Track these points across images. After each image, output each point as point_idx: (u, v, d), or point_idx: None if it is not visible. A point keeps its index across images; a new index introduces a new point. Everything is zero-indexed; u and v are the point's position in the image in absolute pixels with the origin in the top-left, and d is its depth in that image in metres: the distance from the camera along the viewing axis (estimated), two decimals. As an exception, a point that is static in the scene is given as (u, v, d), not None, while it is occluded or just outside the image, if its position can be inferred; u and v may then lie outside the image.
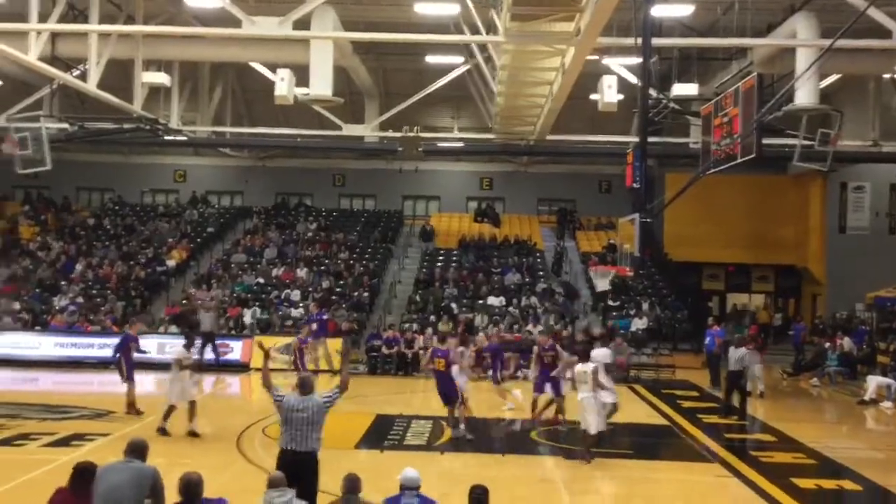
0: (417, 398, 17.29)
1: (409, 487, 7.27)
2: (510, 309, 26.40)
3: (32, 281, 27.56)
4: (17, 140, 22.02)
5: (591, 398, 12.50)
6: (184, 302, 26.16)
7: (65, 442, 13.33)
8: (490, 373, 18.05)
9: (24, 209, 33.05)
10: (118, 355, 15.94)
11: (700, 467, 12.98)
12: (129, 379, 15.69)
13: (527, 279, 28.78)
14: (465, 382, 14.96)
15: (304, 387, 8.57)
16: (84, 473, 7.02)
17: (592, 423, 12.45)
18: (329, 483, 8.09)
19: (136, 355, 16.08)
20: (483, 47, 20.34)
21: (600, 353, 14.31)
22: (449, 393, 14.16)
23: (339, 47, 19.36)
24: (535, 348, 15.81)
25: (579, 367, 12.96)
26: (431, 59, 23.98)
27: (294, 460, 8.09)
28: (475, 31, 18.40)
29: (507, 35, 15.19)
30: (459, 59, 23.18)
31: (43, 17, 16.92)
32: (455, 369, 14.66)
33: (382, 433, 14.66)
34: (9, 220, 31.94)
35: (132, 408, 15.51)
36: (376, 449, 13.59)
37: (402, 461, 10.14)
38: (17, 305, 25.73)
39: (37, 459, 11.84)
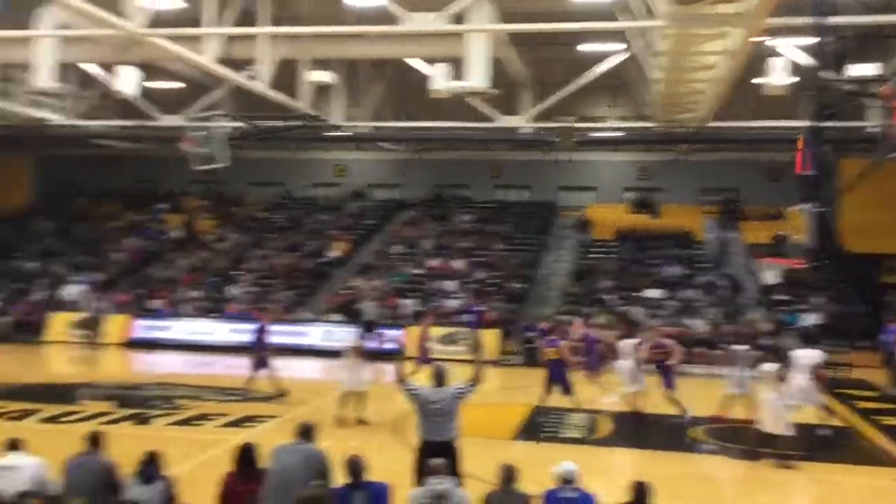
0: (575, 390, 17.10)
1: (567, 480, 7.22)
2: (669, 302, 25.68)
3: (209, 270, 29.42)
4: (195, 139, 23.51)
5: (772, 399, 12.01)
6: (346, 291, 27.14)
7: (238, 423, 14.16)
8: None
9: (201, 204, 35.27)
10: (255, 342, 16.85)
11: (878, 471, 12.18)
12: (261, 364, 16.49)
13: (687, 271, 27.89)
14: (636, 377, 14.70)
15: (438, 378, 8.71)
16: (246, 455, 7.43)
17: (767, 423, 11.96)
18: (486, 472, 8.16)
19: (293, 342, 16.88)
20: (642, 33, 19.81)
21: (810, 354, 13.72)
22: (559, 380, 14.63)
23: (494, 39, 19.40)
24: (646, 345, 15.29)
25: (765, 367, 12.66)
26: (585, 47, 23.61)
27: (434, 450, 8.22)
28: (633, 16, 17.93)
29: (668, 19, 14.69)
30: (616, 47, 22.68)
31: (217, 22, 17.97)
32: (629, 363, 14.53)
33: (539, 425, 14.64)
34: (188, 214, 34.20)
35: (251, 384, 16.49)
36: (533, 440, 13.60)
37: (559, 454, 10.10)
38: (195, 294, 27.56)
39: (214, 439, 12.64)
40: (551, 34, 21.71)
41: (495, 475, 7.26)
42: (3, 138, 29.81)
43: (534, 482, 7.45)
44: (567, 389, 14.74)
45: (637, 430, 14.33)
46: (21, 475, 7.44)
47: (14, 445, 7.82)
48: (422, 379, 11.22)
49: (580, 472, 7.28)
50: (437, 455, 8.05)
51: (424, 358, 17.25)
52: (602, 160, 33.65)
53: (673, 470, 11.75)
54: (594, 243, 30.58)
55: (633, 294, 26.38)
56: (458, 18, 16.99)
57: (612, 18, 19.21)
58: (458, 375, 9.17)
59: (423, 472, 8.13)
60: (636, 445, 13.38)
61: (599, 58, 22.86)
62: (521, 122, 25.12)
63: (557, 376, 14.73)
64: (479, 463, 8.79)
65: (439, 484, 6.96)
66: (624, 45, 21.99)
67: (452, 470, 8.21)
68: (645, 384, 14.90)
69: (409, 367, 15.58)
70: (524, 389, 17.87)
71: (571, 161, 32.59)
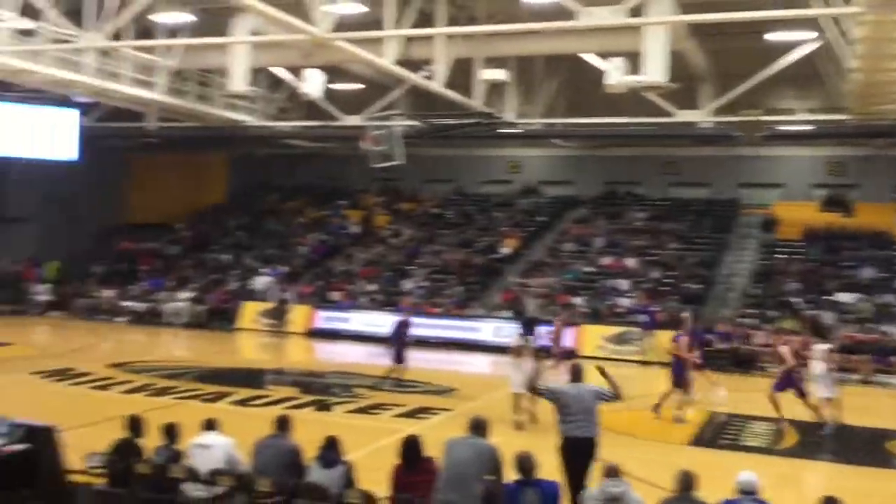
0: (755, 397, 16.29)
1: (747, 492, 6.89)
2: (864, 306, 23.94)
3: (385, 265, 30.38)
4: (375, 137, 24.38)
5: None
6: (516, 288, 27.22)
7: (412, 414, 14.53)
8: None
9: (378, 200, 36.47)
10: (394, 334, 17.41)
11: None
12: (399, 359, 17.00)
13: (884, 274, 25.90)
14: (827, 384, 13.90)
15: (575, 374, 8.88)
16: (411, 447, 7.59)
17: None
18: (661, 478, 7.93)
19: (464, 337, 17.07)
20: (836, 19, 18.53)
21: None
22: (675, 376, 14.64)
23: (673, 31, 18.79)
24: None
25: None
26: (772, 36, 22.34)
27: (576, 447, 8.32)
28: (826, 2, 16.83)
29: (866, 5, 13.66)
30: (805, 35, 21.34)
31: (396, 24, 18.49)
32: (821, 368, 13.84)
33: (716, 432, 14.08)
34: (366, 210, 35.47)
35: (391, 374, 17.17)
36: (710, 447, 13.09)
37: (738, 462, 9.66)
38: (371, 287, 28.54)
39: (388, 428, 13.02)
40: (736, 24, 20.76)
41: (672, 481, 7.04)
42: (203, 139, 32.17)
43: (709, 491, 7.15)
44: (678, 383, 14.60)
45: (827, 440, 13.44)
46: (215, 454, 7.97)
47: (210, 425, 8.38)
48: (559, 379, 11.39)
49: (762, 484, 6.92)
50: (581, 452, 8.09)
51: (562, 355, 17.52)
52: (788, 155, 31.78)
53: (866, 485, 10.92)
54: (779, 243, 29.00)
55: (823, 297, 24.80)
56: (636, 11, 16.60)
57: (804, 5, 18.10)
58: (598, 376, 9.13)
59: (571, 469, 8.16)
60: (825, 457, 12.56)
61: (788, 47, 21.63)
62: (702, 116, 24.18)
63: (674, 370, 14.75)
64: (654, 468, 8.56)
65: (615, 486, 6.85)
66: (816, 33, 20.67)
67: (589, 465, 8.25)
68: (837, 392, 14.01)
69: (549, 364, 15.82)
70: (700, 394, 17.23)
71: (757, 157, 31.07)
